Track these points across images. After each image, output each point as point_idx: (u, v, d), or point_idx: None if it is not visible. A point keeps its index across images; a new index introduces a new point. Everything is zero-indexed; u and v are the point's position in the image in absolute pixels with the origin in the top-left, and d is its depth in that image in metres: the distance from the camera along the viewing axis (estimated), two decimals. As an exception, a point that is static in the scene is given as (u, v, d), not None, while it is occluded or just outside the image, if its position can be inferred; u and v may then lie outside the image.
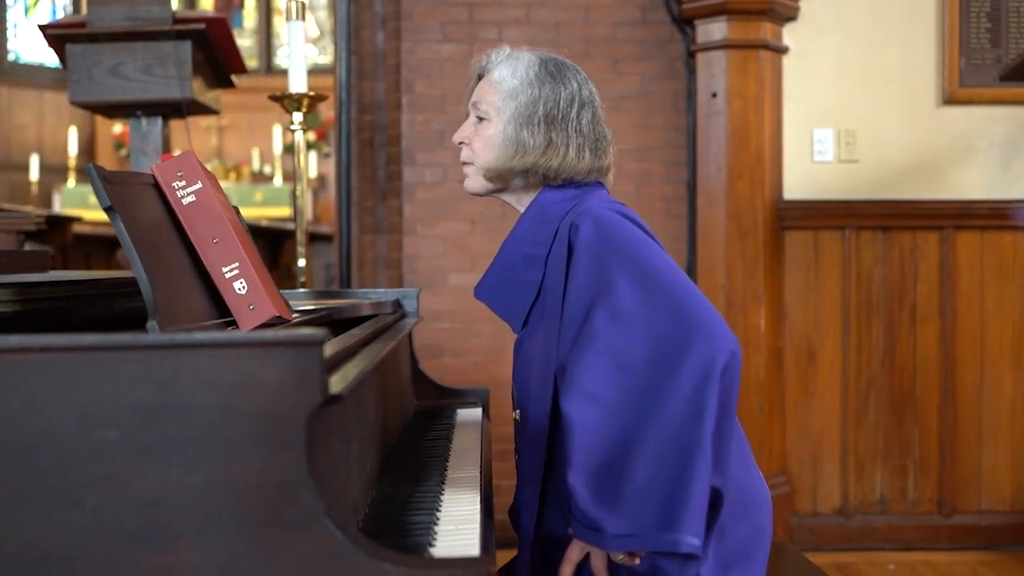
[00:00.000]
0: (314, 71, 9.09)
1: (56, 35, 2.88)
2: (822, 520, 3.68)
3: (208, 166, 10.44)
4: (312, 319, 1.66)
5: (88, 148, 9.77)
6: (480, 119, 1.66)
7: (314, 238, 6.33)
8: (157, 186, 1.50)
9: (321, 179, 9.43)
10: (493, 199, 1.75)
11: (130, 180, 1.41)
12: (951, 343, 3.67)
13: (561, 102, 1.62)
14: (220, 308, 1.52)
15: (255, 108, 8.61)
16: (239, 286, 1.52)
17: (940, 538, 3.66)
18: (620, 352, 1.37)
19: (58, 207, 8.69)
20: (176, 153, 1.62)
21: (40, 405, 0.97)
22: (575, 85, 1.64)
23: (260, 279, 1.57)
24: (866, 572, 3.44)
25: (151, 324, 1.23)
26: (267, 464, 0.98)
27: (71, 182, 9.05)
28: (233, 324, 1.53)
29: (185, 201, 1.51)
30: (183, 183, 1.51)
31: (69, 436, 0.97)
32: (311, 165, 9.46)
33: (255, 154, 9.85)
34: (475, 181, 1.68)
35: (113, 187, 1.31)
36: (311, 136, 9.26)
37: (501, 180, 1.65)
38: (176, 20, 2.83)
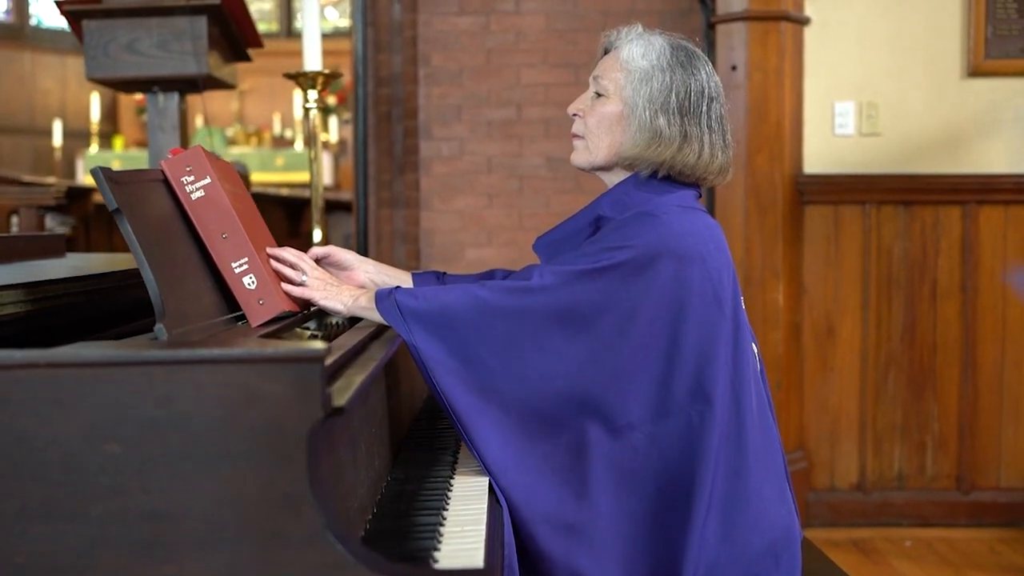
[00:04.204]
0: (334, 35, 9.02)
1: (72, 11, 2.87)
2: (839, 495, 3.68)
3: (229, 131, 10.29)
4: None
5: (111, 113, 9.80)
6: (598, 95, 1.59)
7: (335, 207, 6.33)
8: (167, 181, 1.50)
9: (342, 144, 9.42)
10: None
11: (138, 178, 1.41)
12: (972, 319, 3.64)
13: (692, 94, 1.54)
14: (230, 303, 1.53)
15: (276, 72, 8.56)
16: (248, 281, 1.53)
17: (958, 515, 3.65)
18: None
19: (81, 173, 8.74)
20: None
21: (46, 419, 0.99)
22: (703, 76, 1.56)
23: (269, 273, 1.57)
24: (883, 548, 3.44)
25: (159, 328, 1.24)
26: (269, 478, 0.98)
27: (94, 148, 9.09)
28: (243, 319, 1.53)
29: (194, 196, 1.51)
30: (191, 178, 1.51)
31: (75, 449, 0.99)
32: (332, 130, 9.45)
33: (276, 119, 9.85)
34: (583, 156, 1.61)
35: (120, 188, 1.31)
36: (332, 100, 9.23)
37: (627, 166, 1.58)
38: (191, -4, 2.81)
